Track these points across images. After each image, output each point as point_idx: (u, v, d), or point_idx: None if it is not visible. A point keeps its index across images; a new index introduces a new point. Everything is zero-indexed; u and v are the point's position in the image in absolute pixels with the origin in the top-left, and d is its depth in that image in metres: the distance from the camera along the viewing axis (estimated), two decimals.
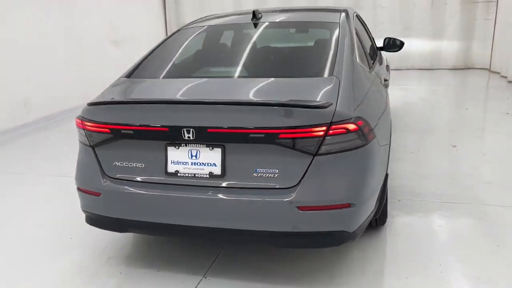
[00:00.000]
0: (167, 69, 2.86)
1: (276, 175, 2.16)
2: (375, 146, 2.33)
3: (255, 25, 3.23)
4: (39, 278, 2.66)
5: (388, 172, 3.02)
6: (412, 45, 10.17)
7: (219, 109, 2.20)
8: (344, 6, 9.98)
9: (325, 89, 2.31)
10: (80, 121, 2.45)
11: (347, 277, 2.52)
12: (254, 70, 2.78)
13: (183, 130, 2.19)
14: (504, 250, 2.73)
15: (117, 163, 2.38)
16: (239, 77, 2.72)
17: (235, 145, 2.19)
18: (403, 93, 7.75)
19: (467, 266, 2.57)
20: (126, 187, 2.35)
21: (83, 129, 2.43)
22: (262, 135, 2.11)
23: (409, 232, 3.00)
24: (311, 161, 2.12)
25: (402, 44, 4.71)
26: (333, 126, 2.11)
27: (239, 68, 2.80)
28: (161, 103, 2.30)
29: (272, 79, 2.53)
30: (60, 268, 2.76)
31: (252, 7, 9.89)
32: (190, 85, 2.60)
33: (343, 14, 3.32)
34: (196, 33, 3.29)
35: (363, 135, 2.21)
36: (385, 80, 4.08)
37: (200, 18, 3.71)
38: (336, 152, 2.14)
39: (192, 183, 2.26)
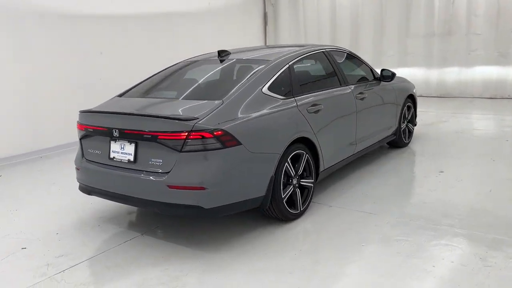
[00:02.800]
0: (136, 91, 4.18)
1: (161, 163, 3.27)
2: (237, 152, 3.25)
3: (221, 61, 4.36)
4: (61, 224, 4.19)
5: (311, 180, 3.83)
6: (510, 74, 9.71)
7: (130, 117, 3.43)
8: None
9: (205, 108, 3.33)
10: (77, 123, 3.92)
11: (247, 245, 3.46)
12: (178, 93, 3.94)
13: (113, 130, 3.47)
14: (366, 248, 3.31)
15: (89, 150, 3.77)
16: (163, 97, 3.92)
17: (141, 142, 3.37)
18: (460, 122, 7.72)
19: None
20: (90, 165, 3.72)
21: (77, 128, 3.89)
22: (150, 136, 3.26)
23: (313, 229, 3.74)
24: (178, 155, 3.18)
25: (393, 75, 5.27)
26: (192, 133, 3.14)
27: (171, 92, 4.01)
28: (106, 113, 3.63)
29: (181, 100, 3.68)
30: (73, 220, 4.25)
31: (346, 36, 10.51)
32: (131, 102, 3.90)
33: (293, 53, 4.21)
34: (175, 67, 4.56)
35: (220, 142, 3.17)
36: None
37: (195, 56, 4.93)
38: (196, 151, 3.16)
39: (120, 165, 3.51)
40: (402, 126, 5.91)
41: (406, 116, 6.04)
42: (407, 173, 4.98)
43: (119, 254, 3.48)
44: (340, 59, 5.04)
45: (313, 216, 3.97)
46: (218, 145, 3.17)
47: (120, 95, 4.22)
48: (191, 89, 3.99)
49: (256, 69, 3.86)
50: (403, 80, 6.25)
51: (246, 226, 3.81)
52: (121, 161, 3.50)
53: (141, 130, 3.32)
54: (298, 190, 3.87)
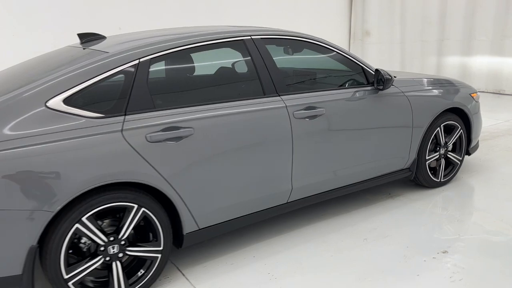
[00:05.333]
0: None
1: None
2: None
3: (84, 48, 3.00)
4: None
5: (157, 249, 2.39)
6: None
7: None
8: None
9: None
10: None
11: None
12: None
13: None
14: None
15: None
16: None
17: None
18: None
19: None
20: None
21: None
22: None
23: None
24: None
25: (388, 80, 3.27)
26: None
27: None
28: None
29: None
30: None
31: (459, 9, 8.04)
32: None
33: (162, 44, 2.64)
34: (38, 57, 3.27)
35: None
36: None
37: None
38: None
39: None
40: (431, 156, 3.80)
41: (442, 142, 3.86)
42: (376, 249, 3.02)
43: None
44: (290, 52, 3.26)
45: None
46: None
47: None
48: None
49: (66, 69, 2.45)
50: (455, 84, 4.03)
51: None
52: None
53: None
54: (117, 265, 2.43)
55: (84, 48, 2.93)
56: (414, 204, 3.67)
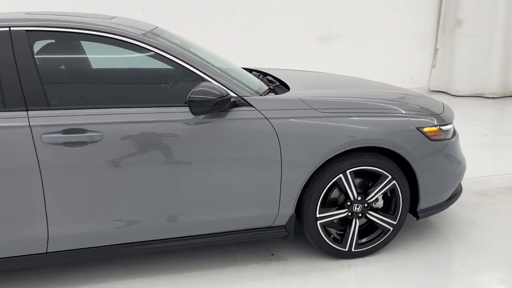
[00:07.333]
0: None
1: None
2: None
3: None
4: None
5: None
6: None
7: None
8: None
9: None
10: None
11: None
12: None
13: None
14: None
15: None
16: None
17: None
18: None
19: None
20: None
21: None
22: None
23: None
24: None
25: (193, 103, 2.20)
26: None
27: None
28: None
29: None
30: None
31: None
32: None
33: None
34: None
35: None
36: None
37: None
38: None
39: None
40: (330, 214, 2.56)
41: (353, 195, 2.56)
42: None
43: None
44: (81, 51, 2.42)
45: None
46: None
47: None
48: None
49: None
50: (403, 108, 2.69)
51: None
52: None
53: None
54: None
55: None
56: (287, 281, 2.52)
